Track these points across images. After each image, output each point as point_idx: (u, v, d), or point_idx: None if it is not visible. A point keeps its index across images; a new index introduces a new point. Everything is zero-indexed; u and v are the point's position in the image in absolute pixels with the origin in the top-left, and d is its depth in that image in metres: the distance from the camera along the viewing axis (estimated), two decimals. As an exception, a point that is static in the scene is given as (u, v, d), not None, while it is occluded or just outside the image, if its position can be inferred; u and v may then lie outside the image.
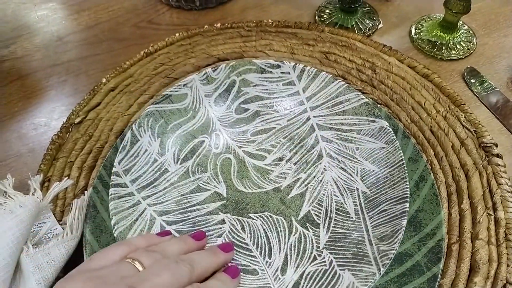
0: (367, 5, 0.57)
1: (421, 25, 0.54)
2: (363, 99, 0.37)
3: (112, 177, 0.33)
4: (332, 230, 0.34)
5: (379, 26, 0.55)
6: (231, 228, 0.35)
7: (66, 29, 0.56)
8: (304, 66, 0.40)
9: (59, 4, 0.60)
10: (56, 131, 0.44)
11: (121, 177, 0.34)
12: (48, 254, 0.32)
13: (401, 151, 0.34)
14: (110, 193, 0.32)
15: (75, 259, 0.35)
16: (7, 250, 0.31)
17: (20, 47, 0.54)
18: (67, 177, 0.38)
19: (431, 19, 0.55)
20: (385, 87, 0.47)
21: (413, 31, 0.54)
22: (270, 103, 0.41)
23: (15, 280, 0.32)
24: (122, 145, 0.35)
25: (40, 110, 0.48)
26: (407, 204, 0.31)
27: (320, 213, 0.35)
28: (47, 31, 0.56)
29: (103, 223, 0.35)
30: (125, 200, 0.33)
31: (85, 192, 0.37)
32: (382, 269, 0.28)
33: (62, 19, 0.58)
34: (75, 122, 0.44)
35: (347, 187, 0.36)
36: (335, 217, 0.34)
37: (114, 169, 0.33)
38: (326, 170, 0.37)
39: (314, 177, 0.37)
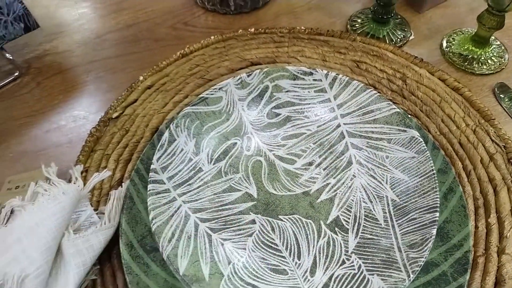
0: (399, 16, 0.57)
1: (452, 38, 0.55)
2: (394, 108, 0.38)
3: (150, 173, 0.35)
4: (360, 235, 0.34)
5: (411, 38, 0.56)
6: (261, 229, 0.36)
7: (105, 28, 0.58)
8: (336, 74, 0.41)
9: (99, 3, 0.62)
10: (94, 124, 0.46)
11: (159, 174, 0.35)
12: (87, 240, 0.34)
13: (431, 161, 0.35)
14: (148, 189, 0.34)
15: (110, 247, 0.37)
16: (51, 234, 0.33)
17: (62, 42, 0.56)
18: (105, 169, 0.40)
19: (463, 33, 0.55)
20: (415, 98, 0.48)
21: (444, 44, 0.54)
22: (301, 109, 0.42)
23: (56, 262, 0.33)
24: (160, 144, 0.37)
25: (79, 103, 0.50)
26: (437, 214, 0.32)
27: (349, 218, 0.36)
28: (87, 28, 0.58)
29: (139, 215, 0.37)
30: (162, 196, 0.34)
31: (122, 184, 0.39)
32: (411, 275, 0.29)
33: (101, 18, 0.60)
34: (113, 117, 0.46)
35: (376, 195, 0.36)
36: (364, 223, 0.35)
37: (152, 166, 0.35)
38: (355, 177, 0.38)
39: (343, 183, 0.38)
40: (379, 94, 0.39)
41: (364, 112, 0.39)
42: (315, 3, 0.61)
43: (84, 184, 0.36)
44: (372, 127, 0.39)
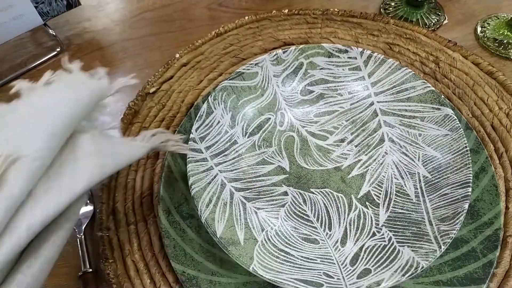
0: (433, 1, 0.57)
1: (487, 23, 0.54)
2: (428, 87, 0.39)
3: (189, 142, 0.36)
4: (391, 210, 0.35)
5: (444, 22, 0.55)
6: (293, 200, 0.37)
7: (141, 7, 0.60)
8: (372, 52, 0.41)
9: (135, -16, 0.64)
10: (132, 98, 0.48)
11: (197, 143, 0.36)
12: (113, 146, 0.29)
13: (465, 139, 0.35)
14: (188, 156, 0.35)
15: (147, 213, 0.38)
16: (60, 121, 0.26)
17: (100, 20, 0.58)
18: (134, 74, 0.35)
19: (498, 18, 0.55)
20: (448, 81, 0.48)
21: (479, 29, 0.54)
22: (335, 86, 0.43)
23: (62, 156, 0.27)
24: (198, 115, 0.38)
25: (118, 75, 0.52)
26: (470, 189, 0.32)
27: (380, 193, 0.36)
28: (124, 7, 0.60)
29: (176, 183, 0.39)
30: (200, 164, 0.36)
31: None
32: (443, 247, 0.30)
33: (137, -2, 0.62)
34: (150, 92, 0.48)
35: (408, 171, 0.37)
36: (395, 198, 0.36)
37: (191, 136, 0.36)
38: (387, 154, 0.39)
39: (375, 159, 0.39)
40: (413, 72, 0.39)
41: (398, 91, 0.40)
42: (348, -14, 0.61)
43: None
44: (405, 105, 0.39)
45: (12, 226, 0.23)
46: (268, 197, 0.37)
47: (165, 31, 0.57)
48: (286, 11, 0.55)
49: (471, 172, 0.33)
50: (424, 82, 0.39)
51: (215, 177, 0.36)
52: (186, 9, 0.59)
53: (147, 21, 0.58)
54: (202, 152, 0.37)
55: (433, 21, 0.55)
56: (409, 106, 0.39)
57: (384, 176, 0.38)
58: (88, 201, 0.42)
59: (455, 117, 0.36)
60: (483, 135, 0.43)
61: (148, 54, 0.54)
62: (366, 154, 0.39)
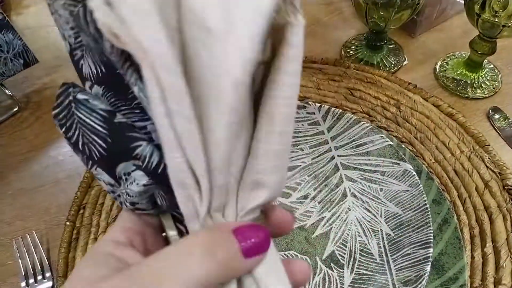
0: (392, 42, 0.58)
1: (446, 62, 0.55)
2: (387, 141, 0.39)
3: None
4: (356, 271, 0.35)
5: (404, 63, 0.56)
6: (257, 265, 0.36)
7: (103, 59, 0.59)
8: (330, 106, 0.41)
9: (97, 35, 0.63)
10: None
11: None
12: None
13: (425, 195, 0.35)
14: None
15: None
16: None
17: (61, 75, 0.57)
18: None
19: (456, 57, 0.56)
20: (409, 125, 0.48)
21: (438, 69, 0.55)
22: (295, 141, 0.42)
23: None
24: None
25: (77, 138, 0.50)
26: (431, 250, 0.32)
27: (345, 253, 0.36)
28: (85, 60, 0.60)
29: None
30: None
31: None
32: (405, 315, 0.29)
33: (99, 49, 0.61)
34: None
35: (371, 228, 0.37)
36: (359, 258, 0.35)
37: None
38: (350, 210, 0.38)
39: (338, 216, 0.38)
40: (372, 127, 0.39)
41: (358, 145, 0.40)
42: (309, 30, 0.62)
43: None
44: (365, 159, 0.39)
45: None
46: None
47: (127, 83, 0.56)
48: (248, 59, 0.55)
49: (432, 231, 0.33)
50: (382, 136, 0.39)
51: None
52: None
53: (109, 74, 0.57)
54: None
55: (393, 63, 0.56)
56: (369, 160, 0.39)
57: (348, 234, 0.37)
58: (47, 276, 0.40)
59: (414, 173, 0.36)
60: (446, 181, 0.43)
61: (109, 110, 0.53)
62: (329, 211, 0.39)
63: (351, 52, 0.58)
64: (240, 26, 0.15)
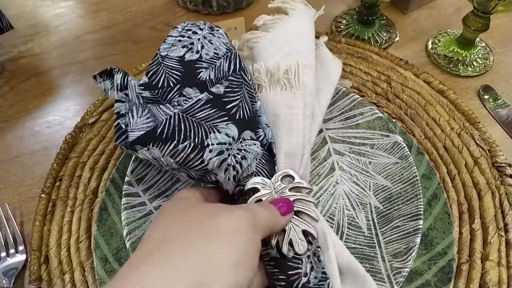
0: (384, 18, 0.56)
1: (438, 40, 0.54)
2: (376, 113, 0.37)
3: (124, 186, 0.33)
4: (344, 244, 0.33)
5: (396, 39, 0.55)
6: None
7: (83, 28, 0.56)
8: (320, 77, 0.40)
9: (77, 3, 0.60)
10: (69, 130, 0.44)
11: (134, 187, 0.34)
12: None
13: (415, 167, 0.34)
14: (122, 203, 0.32)
15: (85, 257, 0.35)
16: (311, 41, 0.36)
17: (38, 44, 0.55)
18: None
19: (448, 34, 0.55)
20: (400, 101, 0.47)
21: (429, 46, 0.54)
22: (284, 112, 0.41)
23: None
24: (134, 156, 0.35)
25: (55, 108, 0.48)
26: (421, 221, 0.31)
27: (332, 227, 0.35)
28: (64, 29, 0.57)
29: (114, 226, 0.36)
30: (138, 210, 0.33)
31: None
32: (395, 287, 0.28)
33: (79, 18, 0.58)
34: (89, 123, 0.45)
35: (359, 201, 0.36)
36: (347, 231, 0.34)
37: (126, 178, 0.33)
38: (338, 184, 0.37)
39: (325, 190, 0.37)
40: (361, 98, 0.38)
41: (347, 117, 0.38)
42: (299, 4, 0.60)
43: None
44: (354, 132, 0.38)
45: (314, 114, 0.34)
46: (214, 236, 0.34)
47: (108, 54, 0.54)
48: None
49: (422, 203, 0.32)
50: (371, 108, 0.37)
51: (154, 219, 0.33)
52: (130, 30, 0.56)
53: (88, 44, 0.55)
54: (140, 196, 0.34)
55: (385, 39, 0.55)
56: (358, 133, 0.38)
57: (335, 208, 0.36)
58: (20, 250, 0.38)
59: (404, 145, 0.35)
60: (436, 157, 0.42)
61: (88, 80, 0.51)
62: (317, 184, 0.37)
63: (342, 27, 0.56)
64: None
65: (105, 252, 0.34)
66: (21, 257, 0.37)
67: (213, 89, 0.29)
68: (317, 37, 0.39)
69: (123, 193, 0.33)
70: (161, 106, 0.29)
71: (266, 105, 0.33)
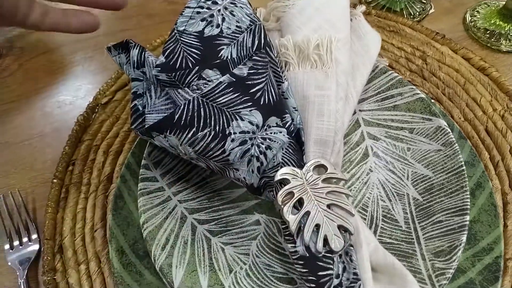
0: (418, -13, 0.52)
1: (477, 11, 0.49)
2: (418, 94, 0.34)
3: (141, 170, 0.31)
4: (378, 239, 0.31)
5: (430, 11, 0.50)
6: (266, 231, 0.32)
7: (93, 2, 0.53)
8: (352, 54, 0.36)
9: (87, -26, 0.57)
10: (81, 110, 0.42)
11: (151, 171, 0.31)
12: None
13: (460, 156, 0.30)
14: (139, 188, 0.30)
15: (101, 247, 0.33)
16: (346, 9, 0.33)
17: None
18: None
19: (488, 6, 0.50)
20: (436, 79, 0.43)
21: (468, 18, 0.49)
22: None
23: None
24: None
25: (66, 87, 0.45)
26: (467, 217, 0.28)
27: (365, 219, 0.32)
28: (74, 2, 0.53)
29: (130, 216, 0.33)
30: (155, 196, 0.30)
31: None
32: (439, 291, 0.25)
33: (89, -9, 0.54)
34: (102, 103, 0.42)
35: (395, 192, 0.32)
36: (382, 224, 0.31)
37: (143, 162, 0.31)
38: (372, 171, 0.34)
39: (358, 178, 0.34)
40: (400, 77, 0.34)
41: (383, 98, 0.35)
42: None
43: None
44: (392, 115, 0.34)
45: (348, 96, 0.31)
46: (238, 228, 0.32)
47: (120, 29, 0.50)
48: (256, 3, 0.49)
49: (468, 196, 0.29)
50: (412, 88, 0.34)
51: (173, 209, 0.31)
52: (144, 3, 0.52)
53: (100, 19, 0.51)
54: (157, 181, 0.31)
55: (419, 11, 0.50)
56: (396, 115, 0.34)
57: (369, 198, 0.33)
58: (33, 239, 0.36)
59: (449, 130, 0.31)
60: (477, 142, 0.38)
61: (101, 57, 0.48)
62: (348, 172, 0.34)
63: (372, -3, 0.51)
64: None
65: (122, 243, 0.32)
66: (34, 247, 0.35)
67: (236, 71, 0.26)
68: (352, 6, 0.35)
69: (139, 177, 0.30)
70: (179, 90, 0.26)
71: (295, 85, 0.30)
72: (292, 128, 0.28)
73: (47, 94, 0.45)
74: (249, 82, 0.26)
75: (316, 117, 0.28)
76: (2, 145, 0.42)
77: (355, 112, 0.36)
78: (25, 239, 0.36)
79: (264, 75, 0.27)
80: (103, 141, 0.40)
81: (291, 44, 0.30)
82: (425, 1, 0.51)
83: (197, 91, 0.25)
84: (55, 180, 0.38)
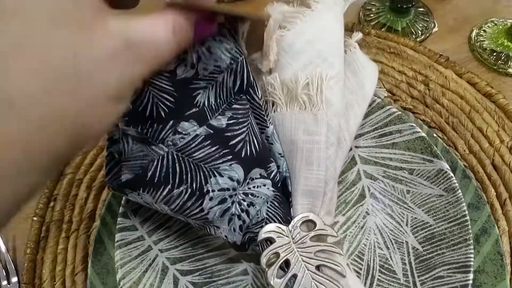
0: (421, 4, 0.49)
1: (483, 30, 0.47)
2: (418, 132, 0.31)
3: (119, 219, 0.28)
4: (374, 295, 0.28)
5: (434, 30, 0.48)
6: (254, 281, 0.30)
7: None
8: (348, 85, 0.34)
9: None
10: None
11: (130, 219, 0.29)
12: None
13: (464, 204, 0.28)
14: (116, 240, 0.28)
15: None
16: (339, 39, 0.29)
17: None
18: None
19: (496, 24, 0.47)
20: (440, 106, 0.40)
21: (473, 38, 0.46)
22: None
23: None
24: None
25: None
26: (471, 275, 0.26)
27: (361, 268, 0.30)
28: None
29: (111, 262, 0.31)
30: (134, 247, 0.28)
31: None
32: None
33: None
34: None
35: (394, 239, 0.30)
36: (379, 276, 0.29)
37: (121, 209, 0.29)
38: (369, 214, 0.32)
39: (354, 221, 0.32)
40: (400, 113, 0.32)
41: (381, 134, 0.33)
42: (323, -12, 0.53)
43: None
44: (390, 153, 0.32)
45: (341, 139, 0.28)
46: (224, 278, 0.30)
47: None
48: (250, 23, 0.47)
49: (472, 251, 0.26)
50: (412, 126, 0.31)
51: (153, 260, 0.29)
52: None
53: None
54: (137, 229, 0.29)
55: (421, 29, 0.48)
56: (395, 154, 0.32)
57: (365, 245, 0.31)
58: (12, 282, 0.34)
59: (451, 174, 0.29)
60: (483, 177, 0.36)
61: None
62: (343, 214, 0.32)
63: (372, 15, 0.49)
64: None
65: (100, 294, 0.30)
66: (11, 290, 0.34)
67: (214, 122, 0.23)
68: (346, 30, 0.32)
69: (117, 227, 0.28)
70: (153, 146, 0.23)
71: (282, 128, 0.27)
72: (278, 178, 0.26)
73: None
74: (229, 134, 0.24)
75: (305, 166, 0.26)
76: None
77: (351, 149, 0.34)
78: (4, 283, 0.34)
79: (245, 124, 0.24)
80: (86, 175, 0.38)
81: (278, 82, 0.28)
82: (428, 19, 0.48)
83: (171, 146, 0.23)
84: (35, 218, 0.36)
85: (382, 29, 0.47)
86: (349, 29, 0.46)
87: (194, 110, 0.24)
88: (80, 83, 0.15)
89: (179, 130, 0.23)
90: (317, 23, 0.28)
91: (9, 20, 0.14)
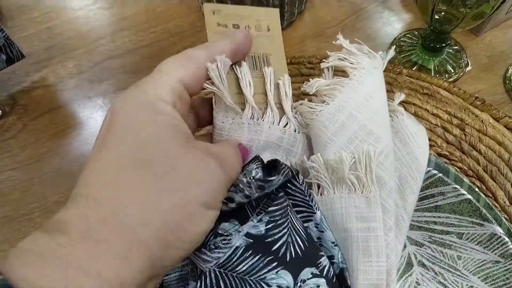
0: (453, 43, 0.47)
1: (519, 70, 0.45)
2: (463, 194, 0.29)
3: None
4: None
5: (467, 69, 0.46)
6: None
7: (102, 53, 0.49)
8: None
9: (96, 20, 0.53)
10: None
11: None
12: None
13: (522, 275, 0.26)
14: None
15: None
16: (384, 109, 0.27)
17: (52, 71, 0.48)
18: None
19: (532, 63, 0.46)
20: (477, 153, 0.39)
21: (509, 77, 0.45)
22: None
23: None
24: None
25: (71, 151, 0.42)
26: None
27: None
28: (82, 52, 0.50)
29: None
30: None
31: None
32: None
33: (99, 39, 0.51)
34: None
35: (446, 311, 0.28)
36: None
37: None
38: (419, 285, 0.30)
39: (401, 290, 0.30)
40: (440, 175, 0.30)
41: (422, 197, 0.31)
42: (349, 22, 0.51)
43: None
44: (434, 216, 0.30)
45: (399, 220, 0.26)
46: None
47: (132, 83, 0.47)
48: (277, 60, 0.46)
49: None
50: (455, 188, 0.29)
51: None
52: (155, 55, 0.49)
53: (109, 72, 0.48)
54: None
55: (454, 68, 0.46)
56: (440, 217, 0.30)
57: (415, 315, 0.29)
58: None
59: (507, 239, 0.27)
60: (528, 234, 0.34)
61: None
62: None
63: (403, 53, 0.47)
64: None
65: None
66: None
67: (252, 230, 0.22)
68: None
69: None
70: (195, 251, 0.22)
71: (332, 214, 0.25)
72: (332, 273, 0.24)
73: (51, 160, 0.42)
74: (269, 239, 0.22)
75: (362, 257, 0.24)
76: (3, 219, 0.38)
77: (393, 206, 0.32)
78: None
79: (285, 225, 0.23)
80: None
81: (322, 163, 0.25)
82: (461, 58, 0.47)
83: (215, 251, 0.22)
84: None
85: (414, 68, 0.46)
86: (379, 67, 0.45)
87: (233, 207, 0.22)
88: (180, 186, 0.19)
89: (220, 232, 0.22)
90: (357, 93, 0.26)
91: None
